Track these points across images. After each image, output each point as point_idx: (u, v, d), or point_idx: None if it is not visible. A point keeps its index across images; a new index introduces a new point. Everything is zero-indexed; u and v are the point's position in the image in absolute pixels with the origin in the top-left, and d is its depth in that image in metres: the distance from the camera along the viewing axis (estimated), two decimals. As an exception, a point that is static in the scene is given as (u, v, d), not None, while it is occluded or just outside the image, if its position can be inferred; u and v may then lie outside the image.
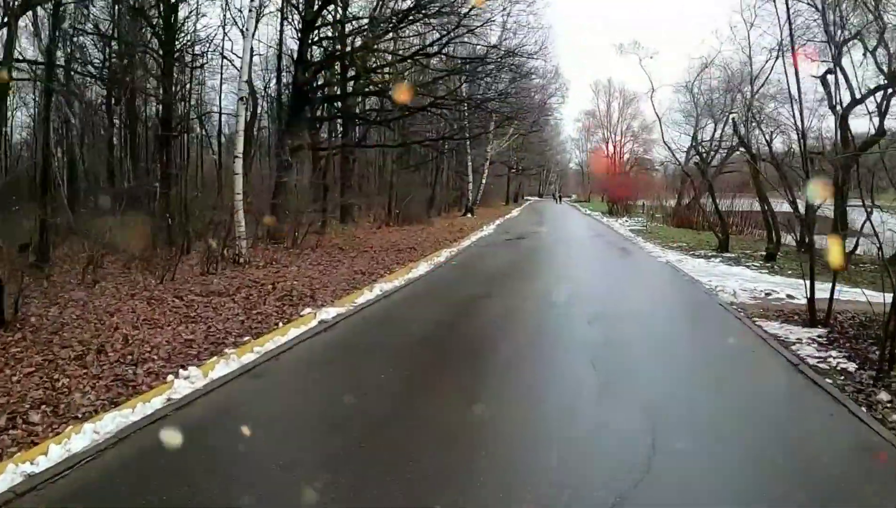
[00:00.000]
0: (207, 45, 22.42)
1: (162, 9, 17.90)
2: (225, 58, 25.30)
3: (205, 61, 22.87)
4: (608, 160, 76.12)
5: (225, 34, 30.11)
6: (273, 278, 10.62)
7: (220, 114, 25.09)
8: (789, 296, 9.21)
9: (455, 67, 18.14)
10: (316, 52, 19.69)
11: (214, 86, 24.90)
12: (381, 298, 9.43)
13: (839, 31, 11.86)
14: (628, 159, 75.45)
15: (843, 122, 11.45)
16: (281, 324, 7.35)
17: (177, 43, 19.75)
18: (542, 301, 8.85)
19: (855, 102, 11.96)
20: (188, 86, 22.58)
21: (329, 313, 8.19)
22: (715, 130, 21.37)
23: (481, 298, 9.17)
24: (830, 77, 12.38)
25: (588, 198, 74.46)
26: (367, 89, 19.23)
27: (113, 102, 20.89)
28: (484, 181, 37.37)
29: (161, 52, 17.93)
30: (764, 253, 14.78)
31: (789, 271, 12.08)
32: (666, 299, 9.57)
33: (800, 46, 13.62)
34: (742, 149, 16.49)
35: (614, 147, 76.90)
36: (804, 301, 8.93)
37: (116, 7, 18.86)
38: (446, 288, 10.49)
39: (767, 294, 9.32)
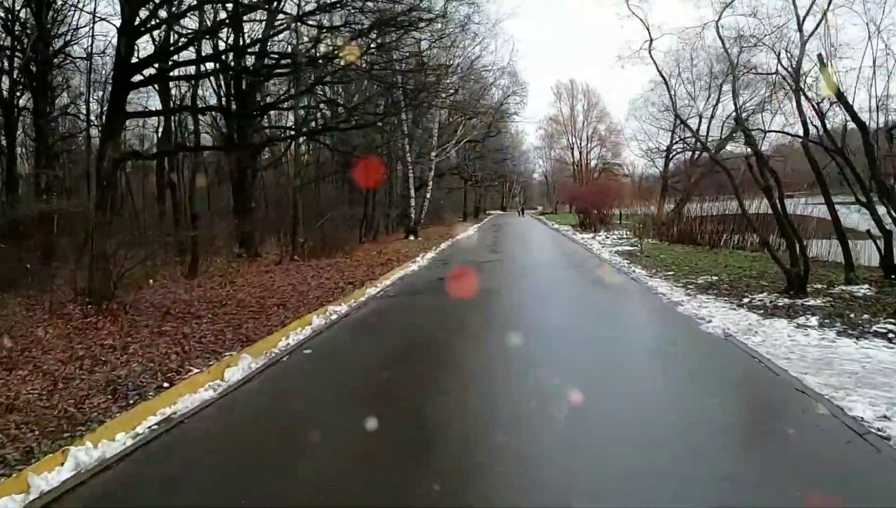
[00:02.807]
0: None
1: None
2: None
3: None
4: (575, 167, 71.05)
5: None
6: None
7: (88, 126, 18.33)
8: None
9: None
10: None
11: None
12: None
13: None
14: (596, 165, 70.50)
15: None
16: None
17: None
18: None
19: None
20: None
21: None
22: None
23: None
24: None
25: (555, 209, 68.69)
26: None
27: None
28: (428, 196, 30.79)
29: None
30: (863, 296, 8.50)
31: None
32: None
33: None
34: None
35: (580, 153, 71.87)
36: None
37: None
38: None
39: None
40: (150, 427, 4.70)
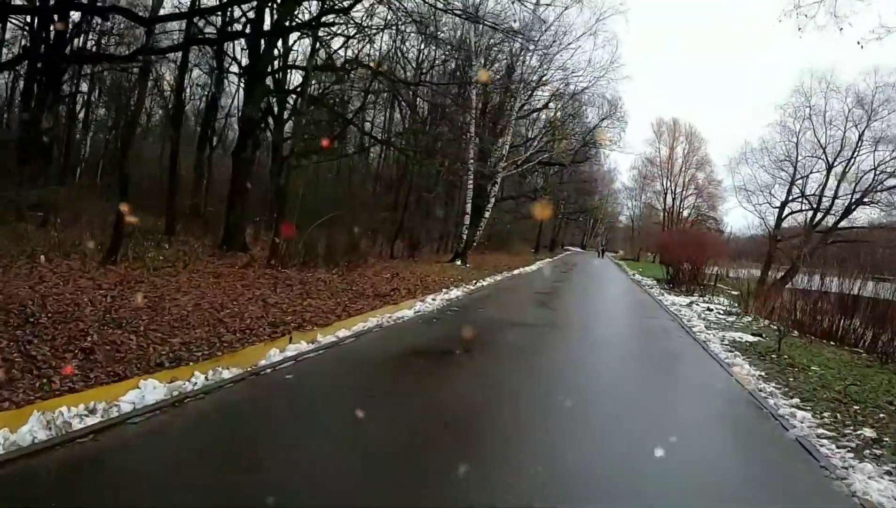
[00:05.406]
0: None
1: None
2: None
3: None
4: (666, 214, 64.46)
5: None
6: None
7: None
8: None
9: None
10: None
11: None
12: None
13: None
14: (689, 215, 63.60)
15: None
16: None
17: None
18: None
19: None
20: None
21: None
22: None
23: None
24: None
25: (637, 256, 61.50)
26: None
27: None
28: (486, 215, 25.50)
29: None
30: None
31: None
32: None
33: None
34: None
35: (674, 200, 65.10)
36: None
37: None
38: None
39: None
40: None
